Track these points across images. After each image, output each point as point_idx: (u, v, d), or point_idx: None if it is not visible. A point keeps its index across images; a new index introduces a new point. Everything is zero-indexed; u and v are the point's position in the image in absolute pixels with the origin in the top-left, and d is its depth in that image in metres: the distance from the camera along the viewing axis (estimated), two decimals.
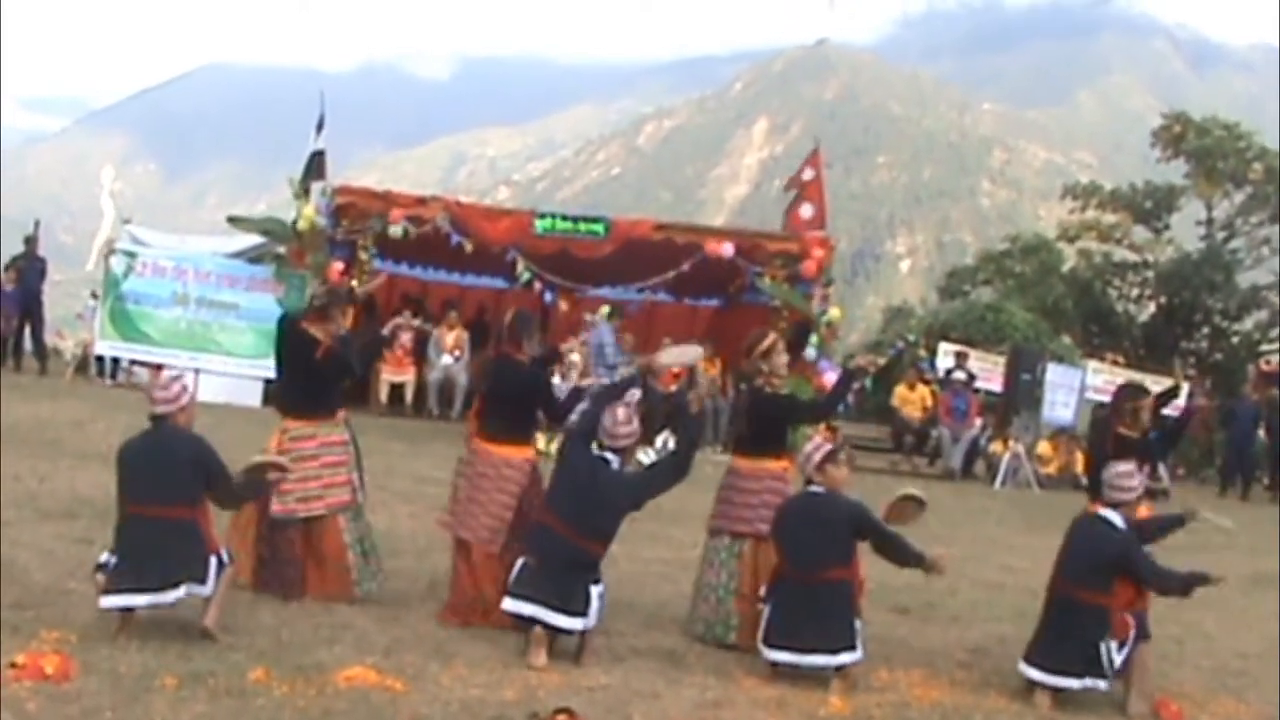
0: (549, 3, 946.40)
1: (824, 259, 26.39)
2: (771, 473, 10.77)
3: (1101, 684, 9.77)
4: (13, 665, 7.76)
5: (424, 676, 8.67)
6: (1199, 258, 42.31)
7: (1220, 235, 44.05)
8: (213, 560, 9.06)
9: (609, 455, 9.89)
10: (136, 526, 9.02)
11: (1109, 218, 44.46)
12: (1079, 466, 26.40)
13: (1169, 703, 9.93)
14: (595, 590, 9.57)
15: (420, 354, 25.94)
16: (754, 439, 10.90)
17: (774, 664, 9.77)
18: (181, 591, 8.94)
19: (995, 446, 26.15)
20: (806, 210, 27.61)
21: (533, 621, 9.39)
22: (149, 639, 8.78)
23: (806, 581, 9.80)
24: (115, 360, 26.59)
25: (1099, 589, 9.78)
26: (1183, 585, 9.95)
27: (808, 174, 28.33)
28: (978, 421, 26.55)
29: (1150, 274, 43.19)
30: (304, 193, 24.98)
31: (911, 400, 27.04)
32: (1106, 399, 31.55)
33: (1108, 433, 10.96)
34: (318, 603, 10.17)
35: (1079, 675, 9.74)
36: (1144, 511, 10.67)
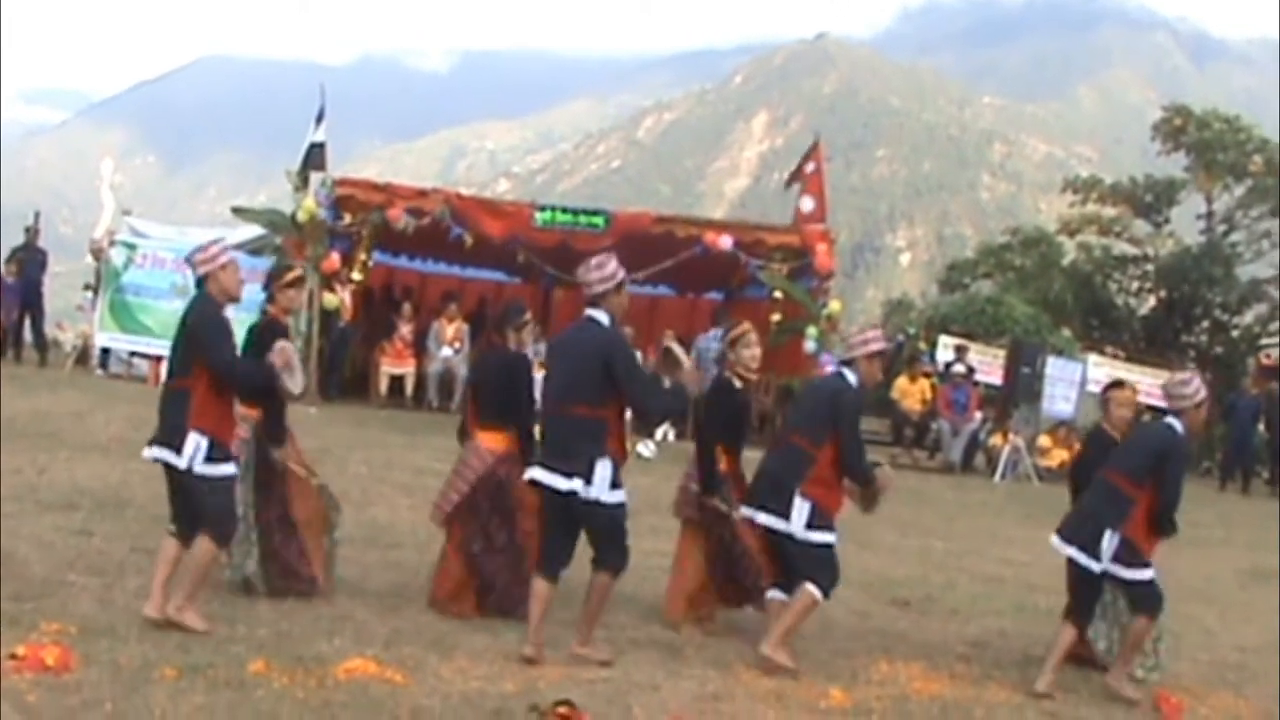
0: None
1: (830, 252, 26.47)
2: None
3: (1094, 566, 9.98)
4: (13, 657, 7.75)
5: (424, 669, 8.67)
6: (1199, 251, 42.23)
7: (1220, 229, 43.94)
8: (190, 436, 9.08)
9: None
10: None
11: (1109, 211, 44.35)
12: None
13: (1168, 696, 9.95)
14: (600, 463, 9.30)
15: (420, 346, 25.95)
16: (705, 428, 10.85)
17: None
18: (155, 451, 9.23)
19: (995, 440, 26.17)
20: (807, 203, 27.66)
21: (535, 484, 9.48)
22: (149, 631, 8.78)
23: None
24: (105, 351, 26.57)
25: (1132, 480, 10.05)
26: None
27: (809, 167, 28.37)
28: (977, 415, 26.55)
29: (1150, 267, 43.10)
30: (302, 184, 24.98)
31: (911, 393, 27.03)
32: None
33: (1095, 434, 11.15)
34: (318, 596, 10.17)
35: (1080, 546, 10.04)
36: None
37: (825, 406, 9.96)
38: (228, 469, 9.26)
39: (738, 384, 10.77)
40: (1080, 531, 10.06)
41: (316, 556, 10.30)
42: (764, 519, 9.94)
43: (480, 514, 10.33)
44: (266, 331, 9.81)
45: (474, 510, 10.33)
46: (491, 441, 10.41)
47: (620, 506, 9.45)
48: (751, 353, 10.81)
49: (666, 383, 9.62)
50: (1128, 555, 9.93)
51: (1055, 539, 10.20)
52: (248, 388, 9.57)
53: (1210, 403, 10.59)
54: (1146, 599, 10.02)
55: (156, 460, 9.24)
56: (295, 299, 10.43)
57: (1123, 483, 10.01)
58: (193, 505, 9.24)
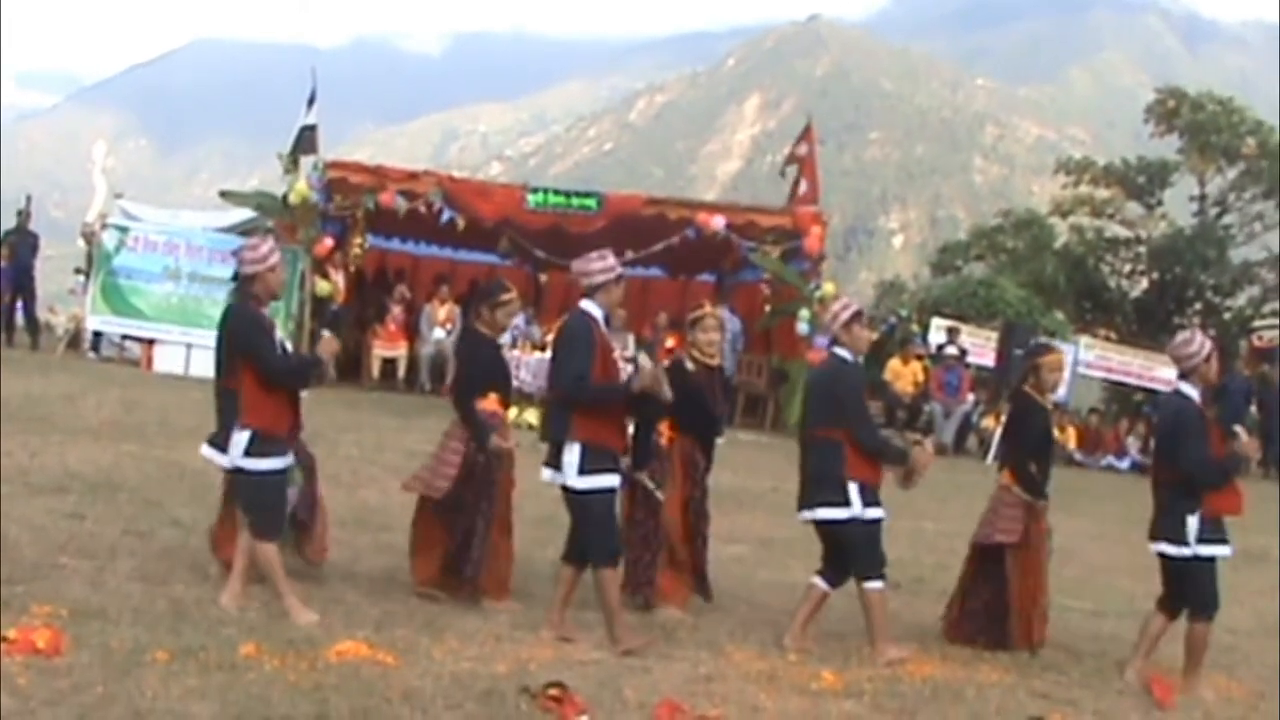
0: None
1: (821, 235, 26.48)
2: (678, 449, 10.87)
3: (1183, 550, 10.00)
4: (4, 640, 7.73)
5: (415, 650, 8.67)
6: (1192, 233, 42.30)
7: (1213, 211, 44.00)
8: (237, 433, 9.31)
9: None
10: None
11: (1102, 193, 44.35)
12: (1071, 442, 26.54)
13: (1160, 679, 9.95)
14: (568, 448, 9.42)
15: (412, 329, 25.95)
16: (675, 411, 10.58)
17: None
18: (206, 450, 9.87)
19: (987, 422, 26.21)
20: (800, 186, 27.68)
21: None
22: (140, 614, 8.77)
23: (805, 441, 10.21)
24: (97, 334, 26.52)
25: (1167, 464, 10.17)
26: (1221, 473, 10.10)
27: (801, 150, 28.37)
28: (969, 397, 26.58)
29: (1143, 249, 43.16)
30: (293, 166, 24.97)
31: (903, 375, 27.08)
32: (1099, 375, 31.86)
33: (1018, 395, 10.95)
34: (310, 578, 10.16)
35: (1170, 540, 10.04)
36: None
37: (829, 391, 10.03)
38: (273, 463, 9.38)
39: (690, 366, 10.79)
40: (1163, 527, 10.10)
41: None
42: (825, 514, 10.00)
43: (465, 500, 10.25)
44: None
45: (459, 497, 10.25)
46: (484, 403, 10.32)
47: (592, 493, 9.42)
48: (708, 337, 10.88)
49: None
50: (1211, 532, 10.03)
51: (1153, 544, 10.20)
52: (295, 383, 9.62)
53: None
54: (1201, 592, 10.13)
55: (207, 458, 9.79)
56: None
57: (1166, 472, 10.11)
58: (238, 498, 9.60)
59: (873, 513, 9.95)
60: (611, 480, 9.54)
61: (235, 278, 9.61)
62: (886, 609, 10.10)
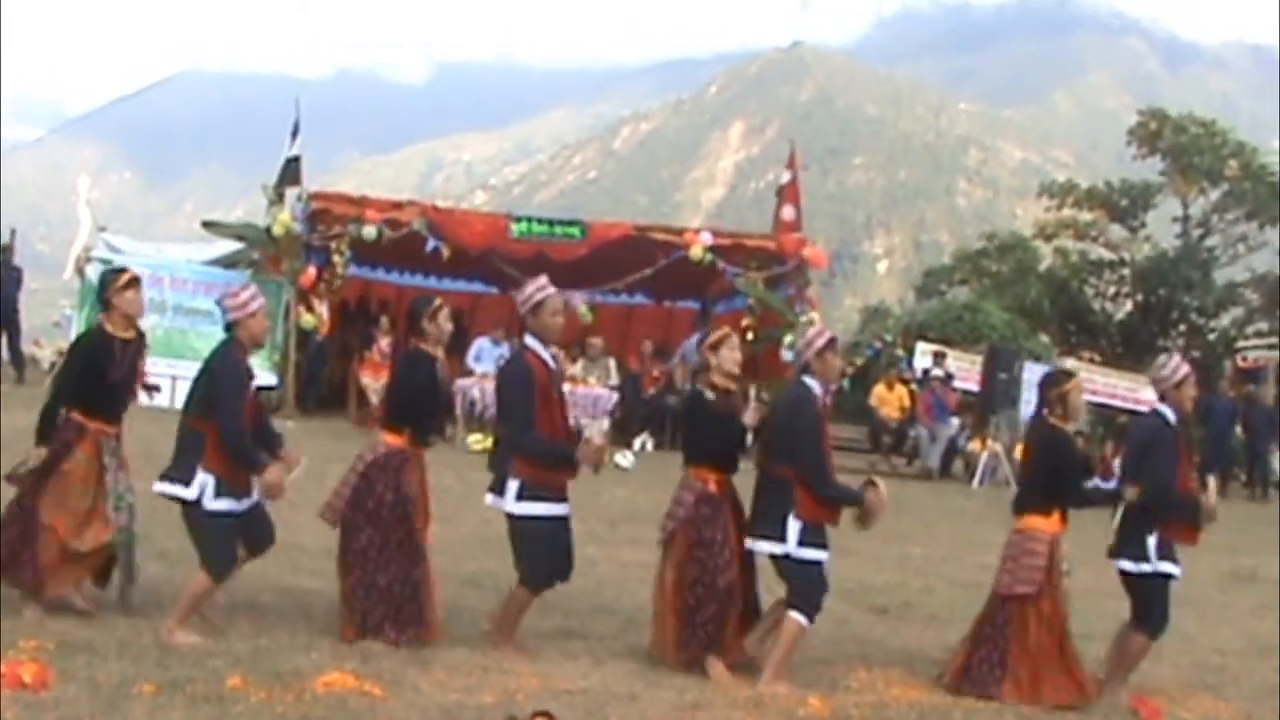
0: (524, 7, 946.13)
1: (814, 256, 26.71)
2: (691, 481, 10.13)
3: (1142, 566, 10.14)
4: None
5: (402, 682, 8.67)
6: (1176, 255, 42.41)
7: (1197, 232, 44.08)
8: (199, 474, 9.34)
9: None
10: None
11: (1085, 216, 44.46)
12: None
13: (1147, 700, 9.98)
14: (510, 480, 9.65)
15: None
16: (687, 444, 10.41)
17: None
18: (164, 486, 9.53)
19: (973, 446, 26.22)
20: (788, 212, 27.80)
21: None
22: (127, 647, 8.77)
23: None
24: None
25: (1132, 479, 10.23)
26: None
27: (785, 177, 28.51)
28: (954, 421, 26.60)
29: (1127, 272, 43.23)
30: (279, 198, 25.04)
31: (889, 400, 27.09)
32: (1084, 398, 31.89)
33: (1042, 428, 10.49)
34: (296, 609, 10.16)
35: (1130, 558, 10.19)
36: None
37: (788, 425, 9.87)
38: (232, 505, 9.45)
39: (710, 395, 10.10)
40: (1128, 545, 10.17)
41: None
42: (762, 546, 9.86)
43: (367, 526, 9.82)
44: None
45: (361, 521, 9.82)
46: (385, 435, 9.98)
47: (529, 519, 9.66)
48: (734, 356, 10.18)
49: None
50: (1167, 549, 10.14)
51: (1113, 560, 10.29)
52: (239, 459, 9.46)
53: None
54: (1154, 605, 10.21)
55: (163, 494, 9.55)
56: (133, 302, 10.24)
57: (1133, 488, 10.11)
58: (193, 538, 9.55)
59: (809, 553, 9.71)
60: (552, 509, 9.69)
61: (226, 327, 9.69)
62: (797, 645, 9.77)
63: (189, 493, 9.37)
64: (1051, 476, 10.21)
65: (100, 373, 9.88)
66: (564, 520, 9.84)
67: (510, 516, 9.69)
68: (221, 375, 9.44)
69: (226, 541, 9.52)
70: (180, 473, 9.45)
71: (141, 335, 10.23)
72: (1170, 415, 10.14)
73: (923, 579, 14.70)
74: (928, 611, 12.91)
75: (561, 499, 9.78)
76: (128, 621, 9.44)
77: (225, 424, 9.32)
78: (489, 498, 9.88)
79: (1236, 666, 11.71)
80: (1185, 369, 10.28)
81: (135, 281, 10.15)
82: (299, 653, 9.12)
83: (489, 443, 16.14)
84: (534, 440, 9.58)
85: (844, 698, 9.47)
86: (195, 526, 9.49)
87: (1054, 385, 10.41)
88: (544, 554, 9.73)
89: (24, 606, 9.53)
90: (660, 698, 9.00)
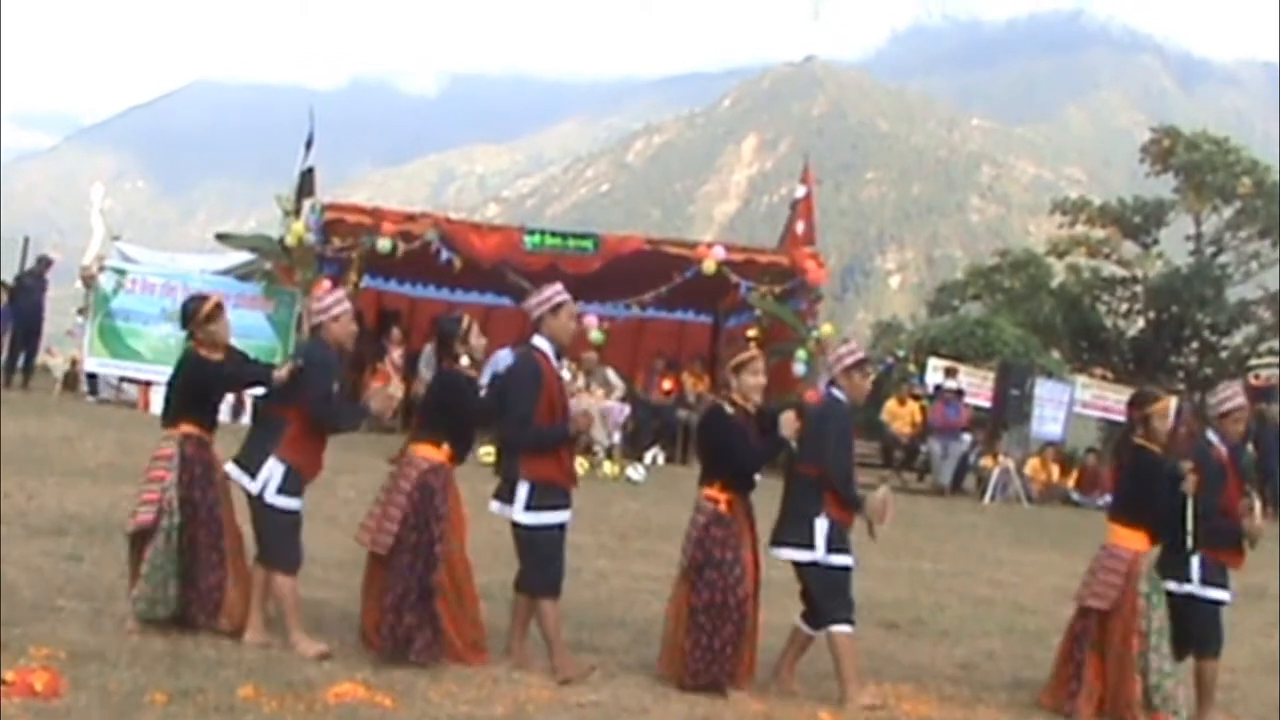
0: (537, 19, 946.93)
1: (820, 267, 26.65)
2: (702, 503, 9.91)
3: (1183, 586, 10.27)
4: (2, 682, 7.73)
5: (413, 693, 8.67)
6: (1188, 272, 42.31)
7: (1209, 250, 44.00)
8: (269, 462, 9.56)
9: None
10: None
11: (1098, 233, 44.41)
12: (1070, 481, 26.53)
13: (1160, 717, 9.94)
14: (520, 485, 9.67)
15: (410, 370, 25.93)
16: (702, 458, 10.36)
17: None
18: (232, 469, 9.76)
19: (985, 461, 26.18)
20: (800, 227, 27.78)
21: None
22: (138, 656, 8.77)
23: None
24: (92, 376, 26.47)
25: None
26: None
27: (799, 191, 28.51)
28: (966, 436, 26.56)
29: (1139, 289, 43.16)
30: (295, 211, 25.04)
31: (901, 416, 27.07)
32: (1095, 414, 31.84)
33: (1128, 448, 10.50)
34: (308, 619, 10.15)
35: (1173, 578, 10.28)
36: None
37: (818, 428, 9.88)
38: (296, 503, 9.64)
39: (729, 410, 9.94)
40: (1169, 565, 10.27)
41: (240, 588, 9.85)
42: (789, 554, 9.88)
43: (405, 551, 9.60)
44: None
45: (420, 543, 9.60)
46: (421, 450, 9.87)
47: (537, 529, 9.67)
48: (757, 380, 10.04)
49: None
50: (1215, 575, 10.29)
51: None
52: (340, 428, 9.98)
53: (1195, 424, 10.66)
54: (1209, 629, 10.36)
55: (231, 478, 9.76)
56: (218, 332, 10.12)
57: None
58: (256, 530, 9.70)
59: (838, 559, 9.75)
60: (559, 516, 9.72)
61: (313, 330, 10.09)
62: (855, 653, 9.89)
63: (253, 485, 9.56)
64: (1136, 498, 10.25)
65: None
66: (565, 526, 9.88)
67: (518, 525, 9.69)
68: (310, 364, 9.64)
69: (292, 536, 9.69)
70: (250, 461, 9.64)
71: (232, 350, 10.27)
72: (1219, 443, 10.27)
73: (934, 595, 14.69)
74: (939, 627, 12.90)
75: (567, 505, 9.81)
76: (139, 630, 9.42)
77: (316, 402, 9.59)
78: (494, 505, 9.87)
79: (1246, 684, 11.68)
80: (1232, 403, 10.35)
81: (219, 309, 10.13)
82: (310, 663, 9.13)
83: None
84: (531, 432, 9.65)
85: (855, 713, 9.47)
86: (260, 519, 9.66)
87: (1141, 405, 10.37)
88: (554, 562, 9.74)
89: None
90: (671, 711, 9.00)
